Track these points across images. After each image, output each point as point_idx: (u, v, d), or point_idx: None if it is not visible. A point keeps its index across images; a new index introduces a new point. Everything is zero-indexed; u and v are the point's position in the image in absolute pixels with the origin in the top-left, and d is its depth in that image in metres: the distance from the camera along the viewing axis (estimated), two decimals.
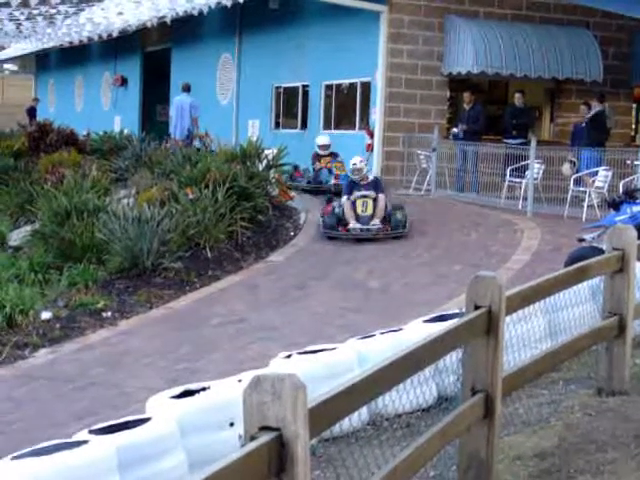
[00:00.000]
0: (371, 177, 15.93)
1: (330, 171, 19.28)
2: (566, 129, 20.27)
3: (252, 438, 2.91)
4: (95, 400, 8.77)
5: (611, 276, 6.11)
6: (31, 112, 34.66)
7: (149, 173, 18.25)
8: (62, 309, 11.83)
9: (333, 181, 18.79)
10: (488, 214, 16.58)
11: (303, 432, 2.93)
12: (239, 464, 2.76)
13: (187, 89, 21.84)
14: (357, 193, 15.36)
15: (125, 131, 25.10)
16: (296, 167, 20.14)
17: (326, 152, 19.61)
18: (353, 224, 15.09)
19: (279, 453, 2.90)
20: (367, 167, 16.12)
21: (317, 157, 19.72)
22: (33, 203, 16.39)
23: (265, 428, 2.91)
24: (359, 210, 15.22)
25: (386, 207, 15.28)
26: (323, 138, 20.10)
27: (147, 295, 12.56)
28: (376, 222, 15.09)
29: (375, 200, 15.27)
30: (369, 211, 15.18)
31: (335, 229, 15.31)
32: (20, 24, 26.95)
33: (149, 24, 26.24)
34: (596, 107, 18.19)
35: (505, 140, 18.41)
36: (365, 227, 15.05)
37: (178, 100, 21.97)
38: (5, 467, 5.07)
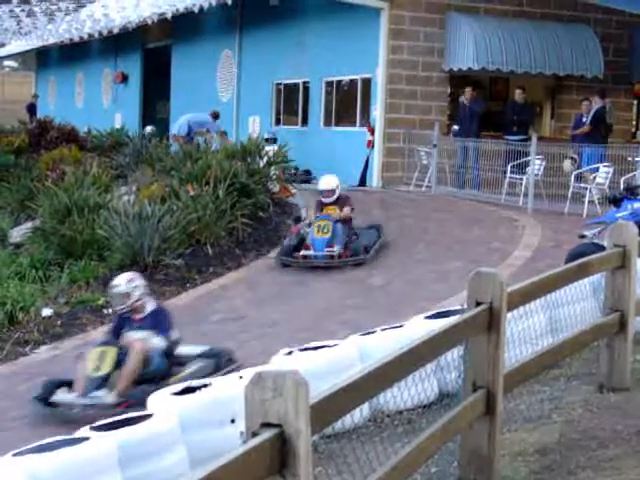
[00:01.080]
0: (151, 307, 9.25)
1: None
2: (567, 125, 20.24)
3: (254, 435, 2.90)
4: None
5: (612, 272, 6.11)
6: (31, 109, 34.66)
7: (150, 170, 18.25)
8: (63, 306, 11.84)
9: (302, 252, 13.46)
10: (489, 211, 16.58)
11: (305, 428, 2.93)
12: (241, 460, 2.76)
13: (215, 117, 22.19)
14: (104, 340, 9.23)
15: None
16: (298, 219, 14.94)
17: (331, 199, 14.04)
18: (61, 395, 8.56)
19: (281, 449, 2.90)
20: (140, 290, 9.14)
21: (319, 206, 14.14)
22: (34, 200, 16.40)
23: (267, 425, 2.91)
24: (90, 368, 8.63)
25: (144, 364, 8.67)
26: (326, 180, 14.28)
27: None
28: (103, 394, 8.48)
29: (125, 353, 8.68)
30: (105, 370, 8.64)
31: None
32: (20, 21, 26.96)
33: (149, 21, 26.23)
34: (597, 104, 18.17)
35: (506, 136, 18.40)
36: (83, 403, 8.40)
37: (199, 115, 22.21)
38: (7, 464, 5.08)
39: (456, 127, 19.09)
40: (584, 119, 18.03)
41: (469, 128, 18.65)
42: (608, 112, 18.86)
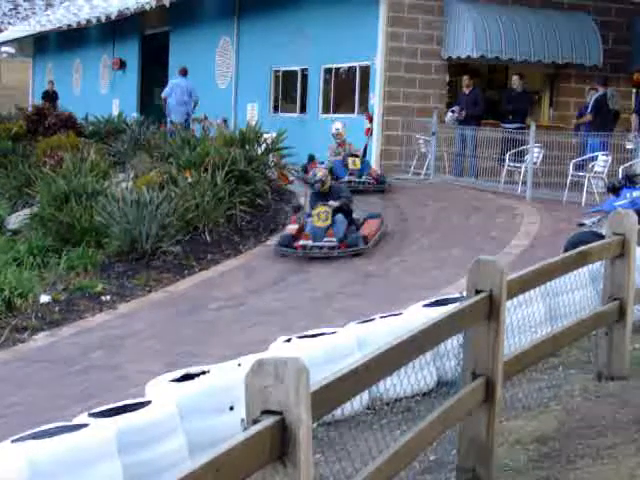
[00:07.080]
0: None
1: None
2: (565, 114, 20.21)
3: (254, 422, 2.90)
4: (95, 383, 8.77)
5: (612, 261, 6.11)
6: (52, 96, 32.69)
7: (148, 157, 18.21)
8: (61, 292, 11.84)
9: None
10: (487, 199, 16.56)
11: (305, 416, 2.92)
12: (242, 447, 2.75)
13: (184, 73, 21.75)
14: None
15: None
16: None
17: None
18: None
19: (281, 437, 2.89)
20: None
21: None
22: (31, 186, 16.37)
23: (267, 412, 2.90)
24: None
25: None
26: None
27: (146, 279, 12.55)
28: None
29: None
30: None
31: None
32: (18, 5, 26.87)
33: (147, 7, 26.14)
34: (598, 91, 18.11)
35: (503, 124, 18.36)
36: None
37: (175, 83, 21.87)
38: (5, 450, 5.07)
39: (450, 114, 18.93)
40: (589, 108, 18.01)
41: (469, 114, 18.58)
42: (610, 99, 18.77)
